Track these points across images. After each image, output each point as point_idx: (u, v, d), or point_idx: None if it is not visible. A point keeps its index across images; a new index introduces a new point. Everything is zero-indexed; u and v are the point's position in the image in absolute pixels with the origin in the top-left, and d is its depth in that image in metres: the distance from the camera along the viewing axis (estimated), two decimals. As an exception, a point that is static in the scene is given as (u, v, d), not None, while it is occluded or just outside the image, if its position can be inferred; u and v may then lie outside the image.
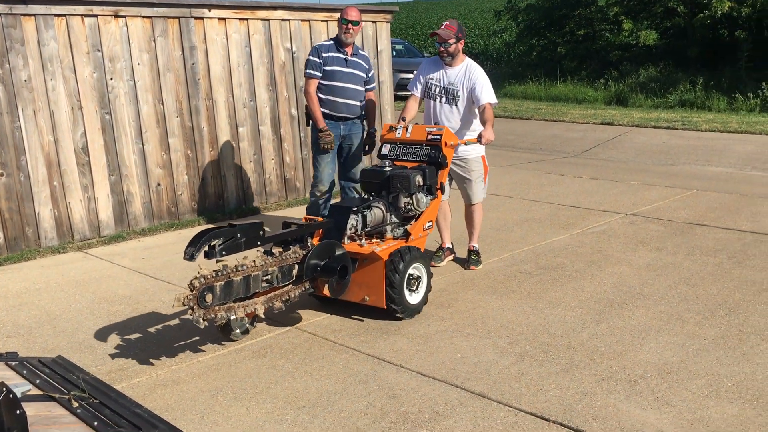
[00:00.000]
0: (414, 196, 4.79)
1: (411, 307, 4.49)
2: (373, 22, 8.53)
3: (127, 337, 4.34)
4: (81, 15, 6.12)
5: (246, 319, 4.12)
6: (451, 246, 5.78)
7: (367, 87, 5.88)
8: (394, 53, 19.93)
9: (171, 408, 3.45)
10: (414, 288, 4.53)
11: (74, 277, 5.50)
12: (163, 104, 6.75)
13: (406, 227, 4.81)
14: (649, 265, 5.44)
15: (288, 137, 7.79)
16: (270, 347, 4.14)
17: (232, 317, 3.84)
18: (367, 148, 6.00)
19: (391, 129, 5.13)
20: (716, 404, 3.33)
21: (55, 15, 5.98)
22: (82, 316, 4.71)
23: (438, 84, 5.31)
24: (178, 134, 6.89)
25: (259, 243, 4.07)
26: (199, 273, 3.65)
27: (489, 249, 5.91)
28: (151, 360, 4.00)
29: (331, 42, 5.73)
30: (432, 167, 4.90)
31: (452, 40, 5.13)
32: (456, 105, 5.29)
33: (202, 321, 3.63)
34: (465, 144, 5.18)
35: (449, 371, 3.76)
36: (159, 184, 6.82)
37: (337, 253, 4.27)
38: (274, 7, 7.39)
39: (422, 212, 4.85)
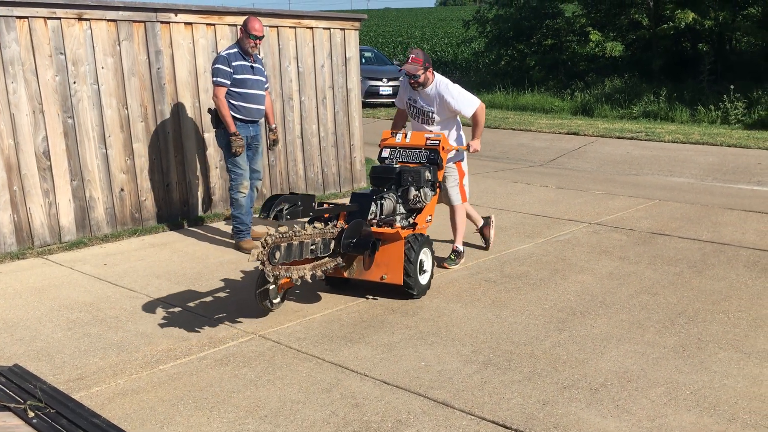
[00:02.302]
0: (422, 190, 5.29)
1: (421, 286, 5.02)
2: (341, 29, 8.54)
3: (86, 345, 4.26)
4: (44, 17, 6.02)
5: (299, 280, 4.35)
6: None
7: (265, 88, 6.41)
8: (363, 60, 19.99)
9: (130, 418, 3.40)
10: (423, 270, 5.04)
11: (33, 284, 5.39)
12: (127, 109, 6.66)
13: (410, 219, 5.31)
14: (611, 273, 5.51)
15: (255, 143, 7.74)
16: (233, 355, 4.10)
17: (292, 276, 4.27)
18: (272, 143, 6.66)
19: (392, 135, 5.64)
20: (675, 412, 3.38)
21: (17, 17, 5.87)
22: (41, 323, 4.62)
23: (415, 105, 5.74)
24: (143, 139, 6.81)
25: (310, 214, 4.62)
26: (268, 233, 4.08)
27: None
28: (110, 369, 3.93)
29: (236, 50, 6.12)
30: (434, 167, 5.41)
31: (420, 71, 5.46)
32: (432, 124, 5.71)
33: (271, 275, 4.07)
34: (457, 150, 5.67)
35: (413, 379, 3.76)
36: (122, 190, 6.72)
37: (365, 231, 4.68)
38: (243, 13, 7.34)
39: (425, 205, 5.32)
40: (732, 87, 15.33)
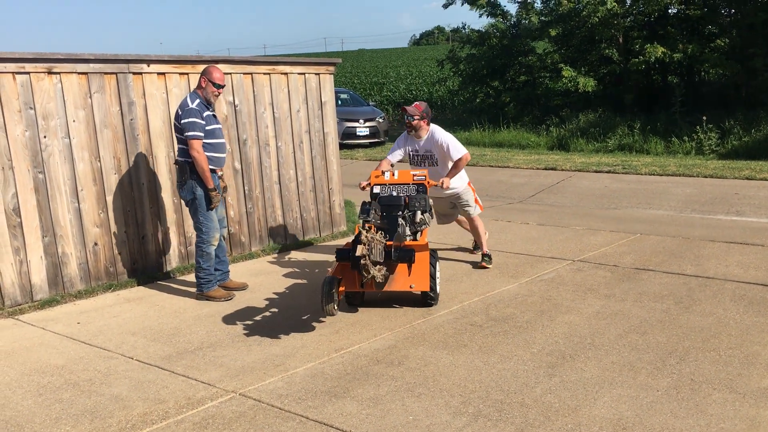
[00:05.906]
0: (426, 214, 6.01)
1: (437, 293, 5.78)
2: (316, 74, 8.51)
3: (57, 412, 4.06)
4: (12, 72, 5.91)
5: (379, 277, 4.89)
6: None
7: None
8: (339, 102, 20.08)
9: (104, 492, 3.21)
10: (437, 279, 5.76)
11: (2, 347, 5.18)
12: (100, 161, 6.53)
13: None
14: (598, 313, 5.42)
15: (231, 191, 7.63)
16: (212, 417, 3.93)
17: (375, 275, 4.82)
18: (222, 190, 6.47)
19: (382, 174, 6.29)
20: (673, 460, 3.27)
21: (-16, 72, 5.76)
22: (10, 390, 4.41)
23: (417, 154, 6.70)
24: (117, 191, 6.67)
25: (378, 222, 5.44)
26: (368, 230, 4.73)
27: (439, 300, 5.82)
28: (83, 437, 3.74)
29: (199, 101, 6.05)
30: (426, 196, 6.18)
31: (417, 116, 6.49)
32: (436, 165, 6.67)
33: (371, 268, 4.70)
34: (436, 185, 6.38)
35: (401, 436, 3.61)
36: (96, 244, 6.55)
37: (404, 243, 5.29)
38: (216, 61, 7.29)
39: (425, 228, 6.01)
40: (704, 118, 15.54)
